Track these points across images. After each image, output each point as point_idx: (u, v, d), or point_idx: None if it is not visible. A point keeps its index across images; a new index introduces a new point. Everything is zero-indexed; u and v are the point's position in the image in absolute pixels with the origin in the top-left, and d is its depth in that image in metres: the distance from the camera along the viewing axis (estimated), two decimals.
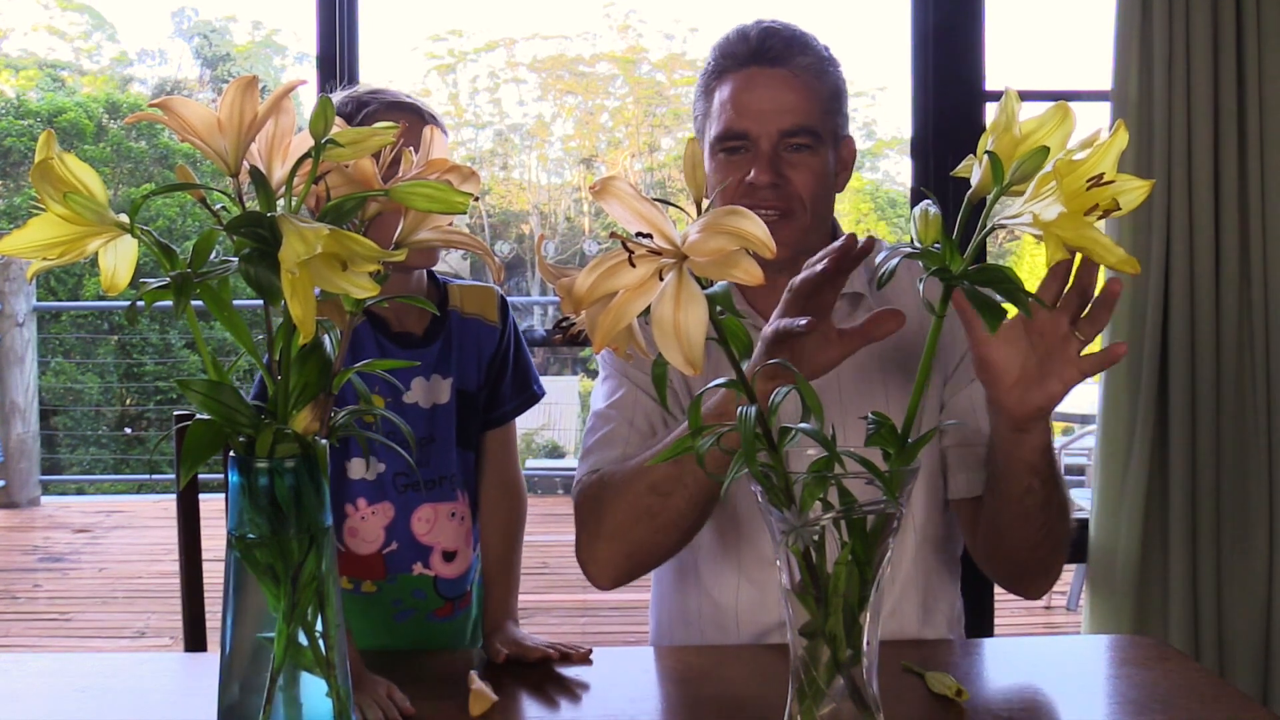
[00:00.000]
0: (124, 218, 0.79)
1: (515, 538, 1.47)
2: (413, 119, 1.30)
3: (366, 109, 1.35)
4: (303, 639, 0.83)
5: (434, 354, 1.41)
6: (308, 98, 1.79)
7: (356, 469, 1.38)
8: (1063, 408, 4.45)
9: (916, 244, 0.87)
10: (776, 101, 1.41)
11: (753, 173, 1.40)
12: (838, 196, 1.53)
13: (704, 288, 0.74)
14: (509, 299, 1.51)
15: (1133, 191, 0.81)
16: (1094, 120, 2.40)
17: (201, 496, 1.60)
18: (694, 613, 1.49)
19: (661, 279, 0.74)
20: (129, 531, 5.59)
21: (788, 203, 1.41)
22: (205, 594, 1.57)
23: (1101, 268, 0.86)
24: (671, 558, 1.40)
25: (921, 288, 0.85)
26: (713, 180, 1.44)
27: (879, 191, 13.47)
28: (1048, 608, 4.24)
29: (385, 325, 1.40)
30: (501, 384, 1.46)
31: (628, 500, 1.31)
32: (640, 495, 1.30)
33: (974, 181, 0.86)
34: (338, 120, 1.19)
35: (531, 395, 1.49)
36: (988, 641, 1.42)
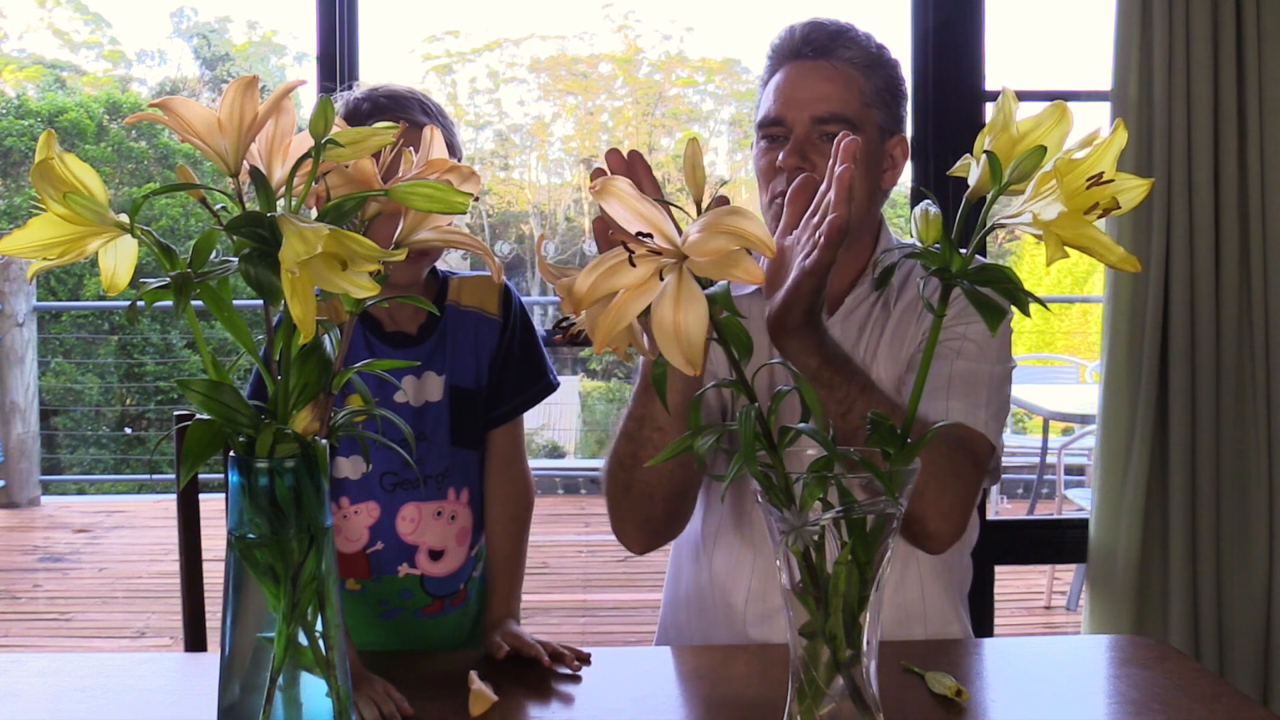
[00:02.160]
0: (124, 218, 0.79)
1: (520, 536, 1.45)
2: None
3: (378, 116, 1.33)
4: (303, 639, 0.83)
5: (426, 351, 1.40)
6: (307, 98, 1.79)
7: (343, 468, 1.38)
8: (1063, 408, 4.45)
9: (917, 243, 0.87)
10: (813, 90, 1.46)
11: (781, 156, 1.44)
12: None
13: (704, 288, 0.74)
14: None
15: (1132, 190, 0.81)
16: (1094, 120, 2.40)
17: (201, 496, 1.60)
18: (706, 586, 1.50)
19: (662, 279, 0.74)
20: (129, 531, 5.58)
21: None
22: (205, 594, 1.57)
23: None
24: (683, 520, 1.46)
25: (922, 286, 0.85)
26: (755, 165, 1.50)
27: None
28: (1048, 608, 4.24)
29: (378, 325, 1.39)
30: (506, 378, 1.43)
31: (610, 476, 1.39)
32: (615, 472, 1.38)
33: (972, 181, 0.86)
34: (350, 117, 1.18)
35: (543, 387, 1.45)
36: (988, 641, 1.42)
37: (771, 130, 1.47)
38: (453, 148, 1.38)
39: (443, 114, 1.40)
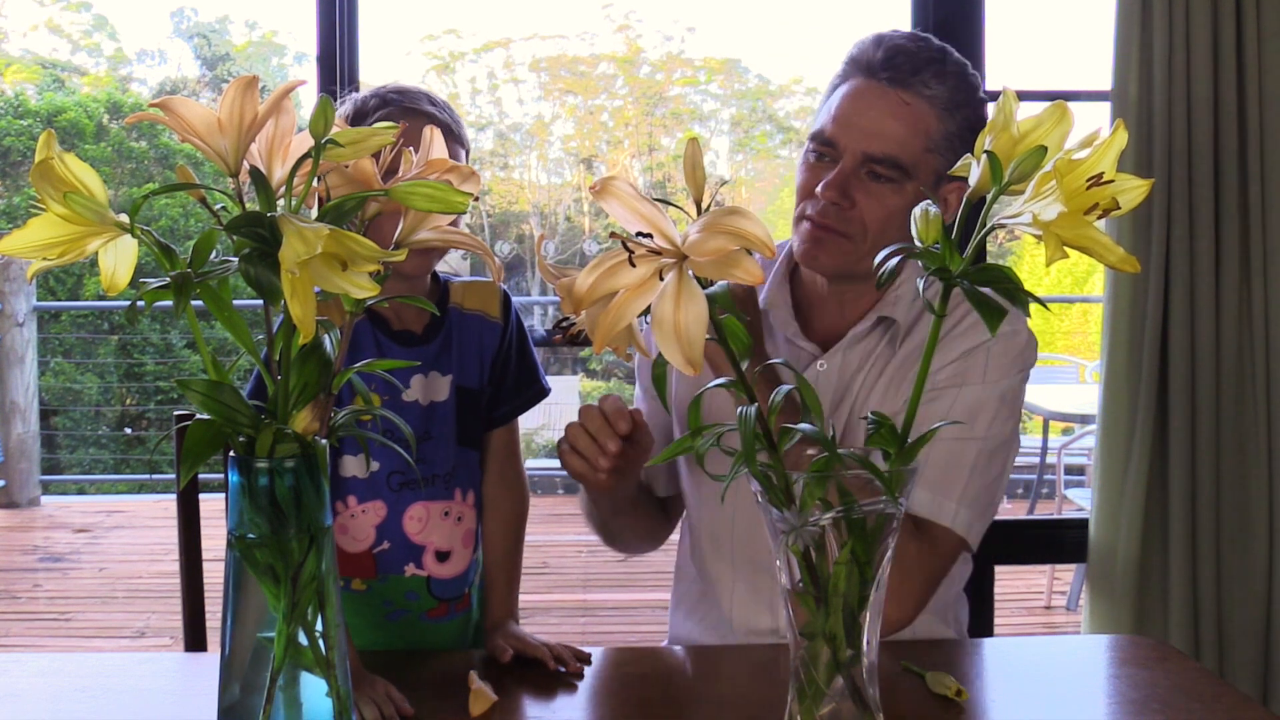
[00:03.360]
0: (124, 218, 0.79)
1: (517, 536, 1.46)
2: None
3: (385, 109, 1.35)
4: (303, 639, 0.83)
5: (433, 351, 1.40)
6: (307, 98, 1.80)
7: (349, 467, 1.38)
8: (1062, 408, 4.46)
9: (918, 243, 0.87)
10: (875, 122, 1.34)
11: (820, 185, 1.35)
12: None
13: (704, 287, 0.74)
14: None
15: (1132, 191, 0.81)
16: (1094, 120, 2.40)
17: (201, 496, 1.60)
18: (711, 607, 1.51)
19: (662, 279, 0.74)
20: (129, 531, 5.58)
21: (845, 226, 1.35)
22: (205, 594, 1.57)
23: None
24: (668, 533, 1.60)
25: (921, 287, 0.85)
26: (797, 173, 1.42)
27: None
28: (1048, 608, 4.24)
29: (385, 323, 1.40)
30: (505, 381, 1.44)
31: (592, 528, 1.54)
32: (595, 529, 1.53)
33: (972, 181, 0.86)
34: (358, 114, 1.18)
35: (537, 391, 1.47)
36: (988, 641, 1.43)
37: (821, 148, 1.38)
38: (460, 139, 1.40)
39: (449, 107, 1.41)
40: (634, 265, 0.73)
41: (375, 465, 1.38)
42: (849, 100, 1.36)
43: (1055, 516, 3.99)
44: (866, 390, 1.41)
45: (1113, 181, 0.80)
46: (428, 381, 1.40)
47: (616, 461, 1.27)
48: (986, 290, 0.82)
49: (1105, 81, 2.19)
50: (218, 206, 0.81)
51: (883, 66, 1.35)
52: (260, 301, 0.79)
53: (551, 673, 1.25)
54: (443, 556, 1.41)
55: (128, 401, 8.94)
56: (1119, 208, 0.80)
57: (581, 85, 13.09)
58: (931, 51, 1.37)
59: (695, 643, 1.50)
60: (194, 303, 0.78)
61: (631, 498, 1.47)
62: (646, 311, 0.74)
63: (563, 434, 1.30)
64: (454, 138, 1.37)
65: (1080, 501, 3.94)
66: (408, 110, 1.34)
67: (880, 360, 1.42)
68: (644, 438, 1.31)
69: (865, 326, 1.43)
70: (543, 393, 1.47)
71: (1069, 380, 6.54)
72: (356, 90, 1.43)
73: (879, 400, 1.40)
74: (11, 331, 5.87)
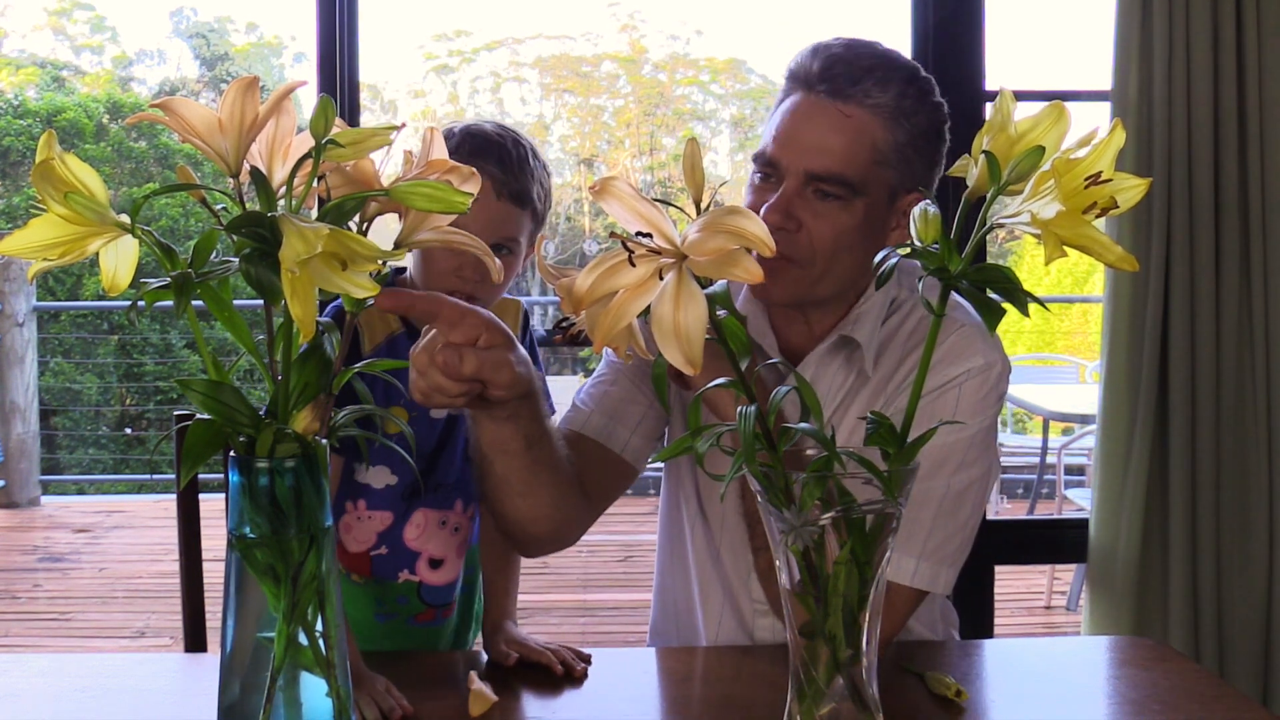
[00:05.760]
0: (125, 218, 0.79)
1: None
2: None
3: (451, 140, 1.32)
4: (303, 639, 0.83)
5: None
6: (308, 98, 1.79)
7: (366, 477, 1.39)
8: (1062, 408, 4.47)
9: (917, 243, 0.87)
10: (816, 138, 1.27)
11: (764, 209, 1.27)
12: None
13: (704, 287, 0.75)
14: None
15: (1130, 189, 0.81)
16: (1094, 120, 2.40)
17: (201, 496, 1.60)
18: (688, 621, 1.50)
19: (661, 278, 0.74)
20: (129, 531, 5.58)
21: (793, 251, 1.27)
22: (205, 594, 1.57)
23: None
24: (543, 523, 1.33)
25: (921, 286, 0.85)
26: (744, 199, 1.34)
27: None
28: (1048, 608, 4.24)
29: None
30: None
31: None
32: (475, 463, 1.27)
33: (970, 181, 0.86)
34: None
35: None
36: (988, 642, 1.43)
37: (765, 169, 1.31)
38: (544, 187, 1.42)
39: (535, 152, 1.39)
40: (634, 265, 0.73)
41: (393, 479, 1.38)
42: (789, 117, 1.29)
43: (1055, 516, 4.00)
44: (840, 425, 1.35)
45: (1111, 180, 0.80)
46: None
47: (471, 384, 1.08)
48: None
49: (1105, 81, 2.19)
50: (218, 207, 0.81)
51: (819, 78, 1.28)
52: (260, 301, 0.79)
53: (551, 673, 1.25)
54: (436, 564, 1.43)
55: (128, 401, 8.94)
56: (1117, 206, 0.80)
57: (584, 85, 13.10)
58: (869, 60, 1.28)
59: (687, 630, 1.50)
60: (194, 303, 0.78)
61: (526, 443, 1.21)
62: (646, 311, 0.75)
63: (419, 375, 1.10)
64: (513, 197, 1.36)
65: (1080, 501, 3.94)
66: (477, 146, 1.31)
67: (844, 385, 1.37)
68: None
69: (827, 346, 1.37)
70: (550, 412, 1.47)
71: (1069, 380, 6.54)
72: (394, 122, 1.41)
73: (850, 431, 1.33)
74: (11, 331, 5.87)
